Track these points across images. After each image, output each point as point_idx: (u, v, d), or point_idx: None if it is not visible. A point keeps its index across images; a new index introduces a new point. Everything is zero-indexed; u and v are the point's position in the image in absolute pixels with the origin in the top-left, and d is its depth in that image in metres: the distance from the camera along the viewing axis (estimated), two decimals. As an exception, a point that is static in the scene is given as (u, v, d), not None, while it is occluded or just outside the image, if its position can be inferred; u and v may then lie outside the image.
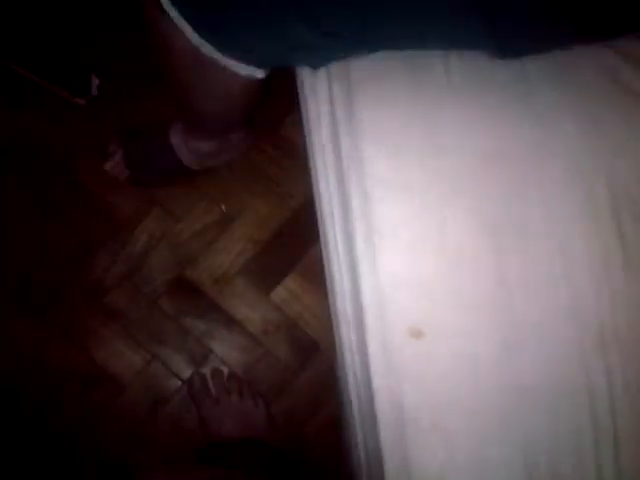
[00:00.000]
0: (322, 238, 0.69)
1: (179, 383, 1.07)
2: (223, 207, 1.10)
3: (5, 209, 1.08)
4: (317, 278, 1.10)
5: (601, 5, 0.54)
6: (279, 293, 1.10)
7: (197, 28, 0.56)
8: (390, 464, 0.57)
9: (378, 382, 0.58)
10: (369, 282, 0.59)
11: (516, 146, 0.63)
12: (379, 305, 0.59)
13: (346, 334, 0.64)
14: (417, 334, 0.56)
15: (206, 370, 1.07)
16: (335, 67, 0.65)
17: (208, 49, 0.59)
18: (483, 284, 0.58)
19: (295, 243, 1.11)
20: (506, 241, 0.59)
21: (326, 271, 0.69)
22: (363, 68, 0.63)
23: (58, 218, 1.07)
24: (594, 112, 0.64)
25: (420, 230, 0.59)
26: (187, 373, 1.07)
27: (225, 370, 1.07)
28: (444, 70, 0.64)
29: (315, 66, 0.65)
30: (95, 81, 1.08)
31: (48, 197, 1.08)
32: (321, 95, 0.67)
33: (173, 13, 0.55)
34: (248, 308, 1.09)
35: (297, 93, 0.73)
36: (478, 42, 0.61)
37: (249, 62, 0.62)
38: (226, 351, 1.09)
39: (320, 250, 1.08)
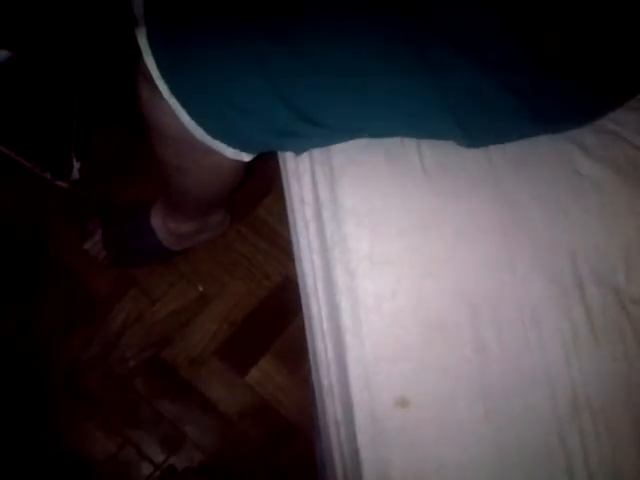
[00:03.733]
0: (305, 312, 0.71)
1: (152, 468, 1.04)
2: (200, 287, 1.12)
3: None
4: (291, 359, 1.11)
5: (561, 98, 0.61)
6: (254, 375, 1.10)
7: (192, 114, 0.60)
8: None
9: (366, 454, 0.59)
10: (355, 354, 0.62)
11: (487, 227, 0.68)
12: (365, 377, 0.61)
13: (331, 407, 0.65)
14: (403, 404, 0.58)
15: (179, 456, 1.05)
16: (317, 152, 0.70)
17: (200, 133, 0.63)
18: (462, 352, 0.61)
19: (270, 324, 1.12)
20: (482, 311, 0.63)
21: (309, 345, 0.71)
22: (343, 153, 0.68)
23: (35, 297, 1.07)
24: (556, 198, 0.70)
25: (403, 303, 0.62)
26: (160, 458, 1.05)
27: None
28: (418, 156, 0.69)
29: (299, 152, 0.70)
30: (77, 165, 1.11)
31: (27, 276, 1.08)
32: (304, 179, 0.71)
33: (172, 101, 0.59)
34: (223, 390, 1.09)
35: (273, 176, 0.76)
36: (447, 133, 0.67)
37: (238, 146, 0.66)
38: (200, 435, 1.07)
39: (295, 331, 1.11)
